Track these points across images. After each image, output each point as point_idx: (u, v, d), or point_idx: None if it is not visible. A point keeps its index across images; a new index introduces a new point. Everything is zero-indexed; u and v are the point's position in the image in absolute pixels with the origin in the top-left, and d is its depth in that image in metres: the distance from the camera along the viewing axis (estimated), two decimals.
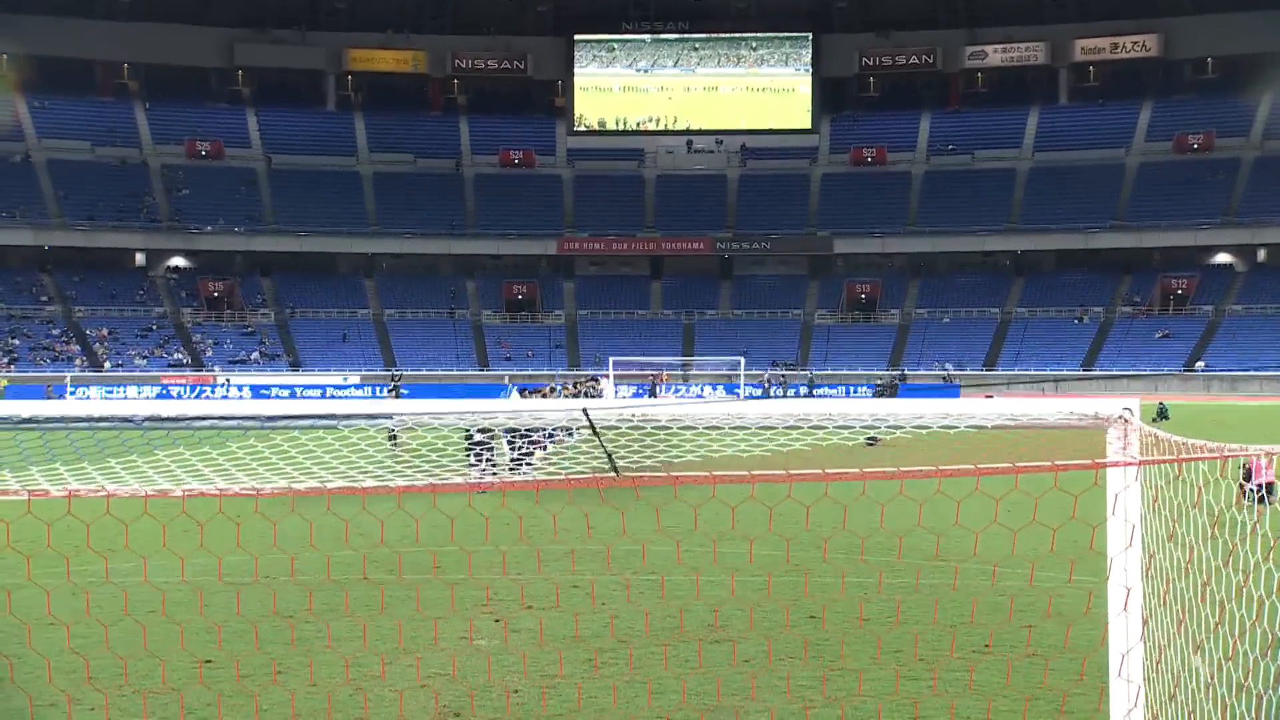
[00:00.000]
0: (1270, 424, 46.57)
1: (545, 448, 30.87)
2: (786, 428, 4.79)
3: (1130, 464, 4.30)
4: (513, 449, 25.37)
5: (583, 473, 6.94)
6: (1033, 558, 14.87)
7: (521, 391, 28.60)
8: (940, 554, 15.41)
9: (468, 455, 22.29)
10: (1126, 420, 4.42)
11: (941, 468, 5.72)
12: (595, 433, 4.80)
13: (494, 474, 23.12)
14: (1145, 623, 5.16)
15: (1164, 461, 4.99)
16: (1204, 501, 6.01)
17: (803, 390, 74.34)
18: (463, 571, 14.33)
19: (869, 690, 10.09)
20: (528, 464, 26.82)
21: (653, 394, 66.33)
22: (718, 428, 4.91)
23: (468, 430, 22.38)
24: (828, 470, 5.70)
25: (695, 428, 4.74)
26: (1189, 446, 5.14)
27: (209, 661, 11.01)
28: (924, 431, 5.12)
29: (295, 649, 11.34)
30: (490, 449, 22.68)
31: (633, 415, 4.61)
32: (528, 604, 12.82)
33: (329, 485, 5.65)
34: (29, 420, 4.51)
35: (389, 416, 4.68)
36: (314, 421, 4.61)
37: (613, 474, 4.99)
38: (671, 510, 19.86)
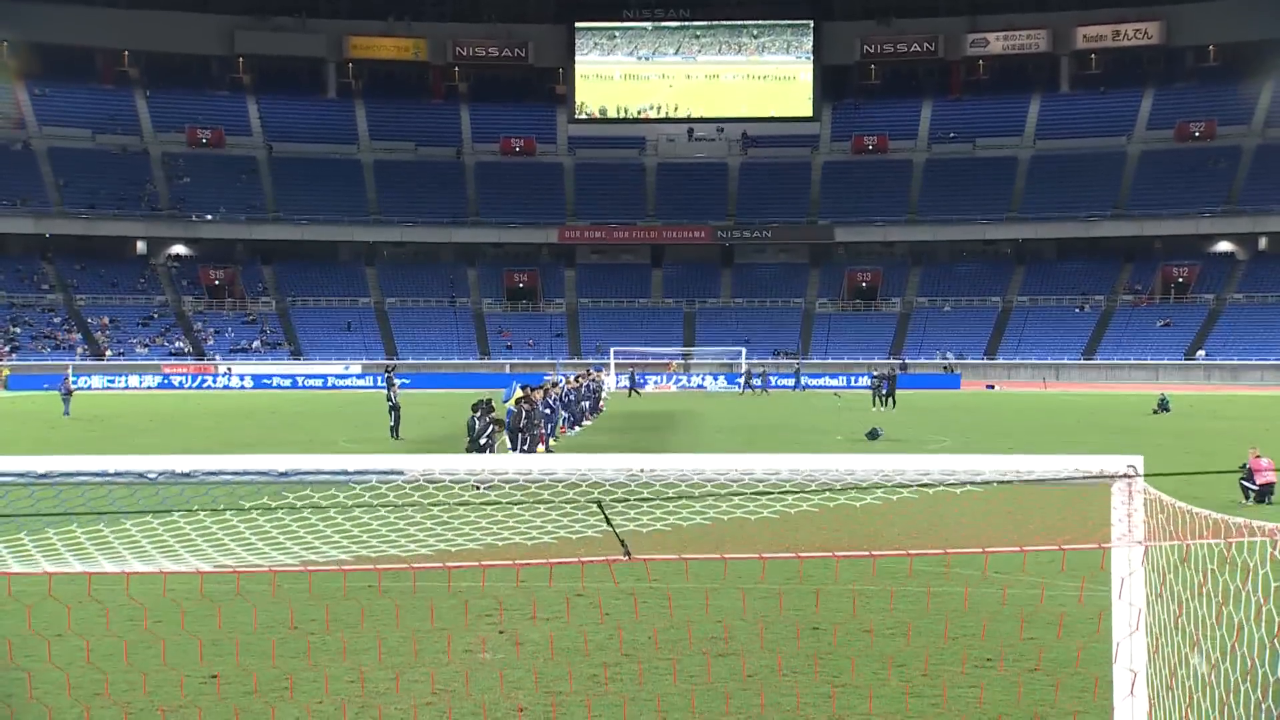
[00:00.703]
0: (1271, 415, 46.51)
1: (552, 438, 30.89)
2: (794, 485, 4.73)
3: (1136, 544, 4.22)
4: (514, 445, 25.40)
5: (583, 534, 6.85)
6: (1045, 573, 14.84)
7: (524, 387, 28.51)
8: (951, 566, 15.33)
9: (465, 451, 22.30)
10: (1130, 479, 4.35)
11: (950, 550, 5.65)
12: (607, 521, 4.76)
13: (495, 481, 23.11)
14: (1151, 705, 5.08)
15: (1170, 542, 4.92)
16: (1210, 576, 5.93)
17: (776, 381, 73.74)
18: (473, 579, 14.24)
19: (878, 709, 10.05)
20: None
21: (631, 383, 65.89)
22: (725, 486, 4.84)
23: (471, 430, 22.36)
24: (837, 552, 5.62)
25: (702, 487, 4.68)
26: (1196, 517, 5.06)
27: (219, 676, 10.96)
28: (929, 490, 5.04)
29: (308, 661, 11.30)
30: (492, 446, 22.69)
31: (640, 470, 4.55)
32: (536, 616, 12.76)
33: (345, 564, 5.65)
34: (44, 476, 4.47)
35: (401, 473, 4.62)
36: (327, 477, 4.56)
37: (625, 555, 4.95)
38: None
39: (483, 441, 22.28)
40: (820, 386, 75.09)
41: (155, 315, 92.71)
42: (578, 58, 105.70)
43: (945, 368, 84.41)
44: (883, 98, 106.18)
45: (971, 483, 4.49)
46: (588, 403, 41.61)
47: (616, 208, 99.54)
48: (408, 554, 5.84)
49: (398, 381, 36.72)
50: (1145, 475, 5.91)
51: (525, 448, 25.86)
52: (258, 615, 12.29)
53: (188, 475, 4.52)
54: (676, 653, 11.72)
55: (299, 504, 5.55)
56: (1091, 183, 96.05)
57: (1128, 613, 4.10)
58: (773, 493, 5.15)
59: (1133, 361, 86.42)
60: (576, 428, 37.33)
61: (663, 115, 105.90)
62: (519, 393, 27.12)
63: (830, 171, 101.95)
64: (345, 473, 4.55)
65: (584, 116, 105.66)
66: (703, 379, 72.17)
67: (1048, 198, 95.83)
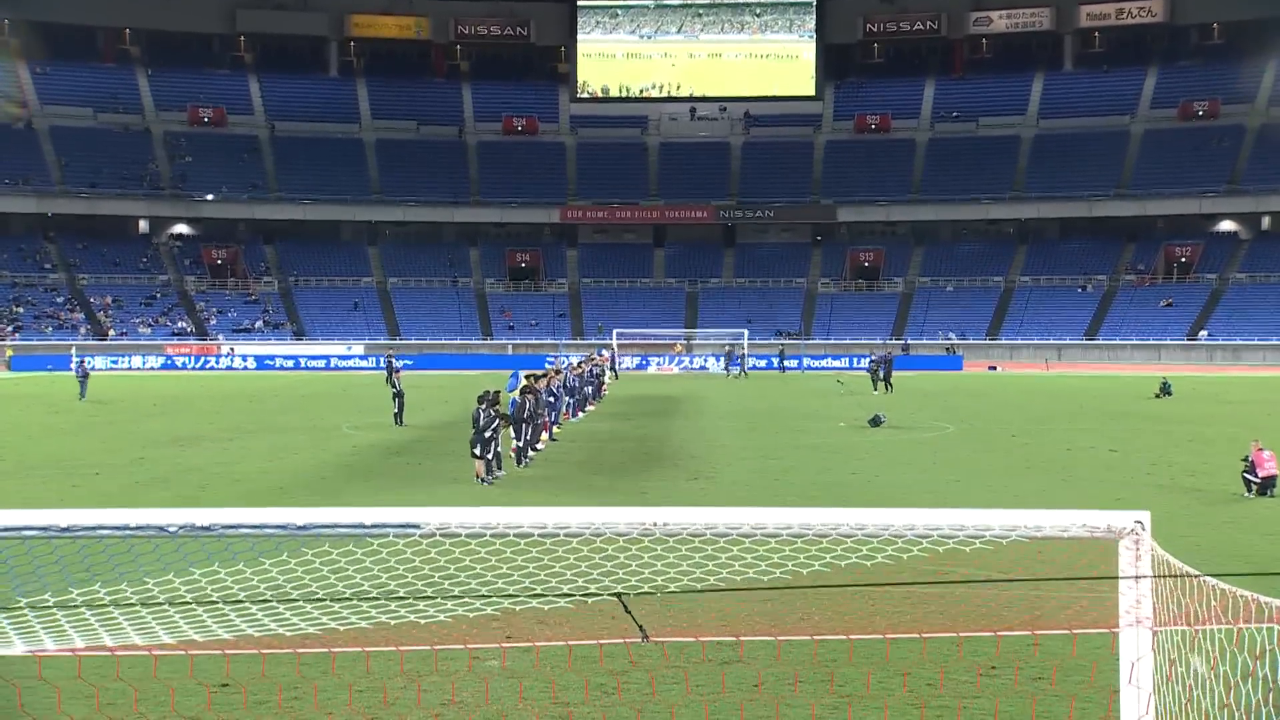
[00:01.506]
0: (1274, 399, 46.54)
1: (556, 426, 30.96)
2: (807, 542, 4.78)
3: (1146, 628, 4.25)
4: (517, 436, 25.47)
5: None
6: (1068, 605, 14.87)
7: (528, 376, 28.59)
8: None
9: (474, 447, 22.38)
10: (1138, 536, 4.41)
11: (963, 634, 5.71)
12: (628, 610, 4.82)
13: (500, 475, 23.20)
14: None
15: (1179, 627, 4.96)
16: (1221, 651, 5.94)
17: (771, 362, 73.30)
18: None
19: None
20: (534, 449, 26.97)
21: (613, 364, 65.21)
22: (739, 541, 4.90)
23: (476, 423, 22.42)
24: (852, 635, 5.65)
25: (715, 543, 4.73)
26: (1203, 587, 5.09)
27: (225, 686, 11.01)
28: (940, 549, 5.06)
29: (331, 669, 11.32)
30: (496, 439, 22.75)
31: (654, 524, 4.62)
32: (548, 626, 12.79)
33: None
34: (67, 530, 4.56)
35: (417, 526, 4.70)
36: (345, 531, 4.63)
37: (642, 639, 5.01)
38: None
39: (488, 435, 22.35)
40: (804, 369, 74.99)
41: (158, 295, 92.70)
42: (580, 36, 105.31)
43: (947, 349, 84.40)
44: (885, 77, 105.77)
45: (980, 538, 4.54)
46: (591, 387, 41.67)
47: (619, 187, 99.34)
48: (426, 619, 5.86)
49: (398, 364, 36.74)
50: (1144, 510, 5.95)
51: (529, 438, 25.94)
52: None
53: (207, 529, 4.59)
54: (687, 663, 11.78)
55: (317, 560, 5.59)
56: (1094, 162, 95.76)
57: (1136, 696, 4.16)
58: (785, 550, 5.21)
59: (1135, 342, 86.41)
60: (580, 413, 37.40)
61: (665, 94, 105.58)
62: (523, 382, 27.17)
63: (833, 151, 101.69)
64: (362, 526, 4.62)
65: (586, 95, 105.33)
66: (705, 360, 72.14)
67: (1050, 177, 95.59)
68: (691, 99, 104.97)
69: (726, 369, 67.74)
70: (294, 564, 5.61)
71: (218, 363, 79.20)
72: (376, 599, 5.94)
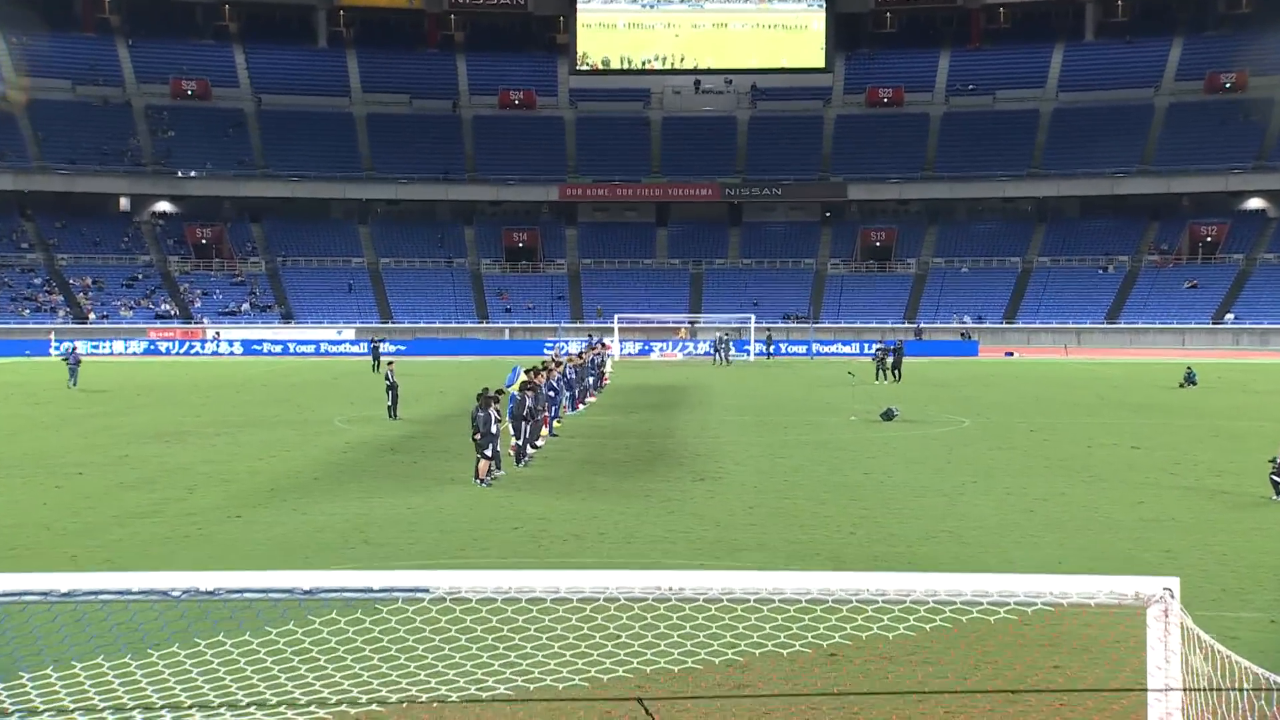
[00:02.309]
0: None
1: (556, 420, 31.04)
2: (827, 609, 4.86)
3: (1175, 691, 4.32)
4: (517, 435, 25.56)
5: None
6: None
7: (528, 371, 28.68)
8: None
9: (484, 448, 22.46)
10: (1167, 605, 4.48)
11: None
12: (647, 712, 4.89)
13: (499, 475, 23.30)
14: None
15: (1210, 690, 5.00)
16: None
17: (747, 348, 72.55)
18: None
19: None
20: (533, 447, 27.07)
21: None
22: (756, 608, 4.98)
23: (475, 422, 22.51)
24: None
25: (732, 610, 4.78)
26: (1236, 669, 5.12)
27: None
28: (963, 619, 5.12)
29: None
30: (496, 437, 22.85)
31: (669, 589, 4.71)
32: (537, 616, 12.88)
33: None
34: (68, 595, 4.65)
35: (427, 590, 4.79)
36: (353, 595, 4.72)
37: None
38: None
39: (493, 431, 22.48)
40: (813, 354, 75.06)
41: (140, 276, 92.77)
42: (579, 5, 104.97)
43: (962, 334, 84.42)
44: (898, 48, 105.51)
45: (1005, 605, 4.62)
46: (592, 378, 41.73)
47: (620, 163, 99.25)
48: (432, 695, 5.91)
49: (387, 356, 36.79)
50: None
51: (529, 436, 26.02)
52: None
53: (212, 593, 4.67)
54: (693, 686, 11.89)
55: (325, 629, 5.64)
56: (1116, 137, 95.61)
57: None
58: (804, 619, 5.28)
59: (1158, 325, 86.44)
60: (580, 405, 37.47)
61: (668, 66, 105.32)
62: (522, 378, 27.23)
63: (843, 125, 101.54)
64: (370, 590, 4.70)
65: (586, 68, 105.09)
66: (711, 345, 72.07)
67: (1070, 153, 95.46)
68: (696, 71, 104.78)
69: (718, 357, 66.89)
70: (301, 634, 5.64)
71: (203, 348, 79.31)
72: (385, 674, 5.99)
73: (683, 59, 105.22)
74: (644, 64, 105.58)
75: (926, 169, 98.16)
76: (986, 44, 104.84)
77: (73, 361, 48.87)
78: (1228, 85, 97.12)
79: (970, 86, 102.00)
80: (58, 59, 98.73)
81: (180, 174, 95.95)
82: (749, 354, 72.91)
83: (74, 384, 47.30)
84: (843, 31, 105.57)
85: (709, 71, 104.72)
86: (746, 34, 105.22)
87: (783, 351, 75.15)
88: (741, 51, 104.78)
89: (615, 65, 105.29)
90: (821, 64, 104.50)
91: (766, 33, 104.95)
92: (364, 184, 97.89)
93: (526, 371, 28.60)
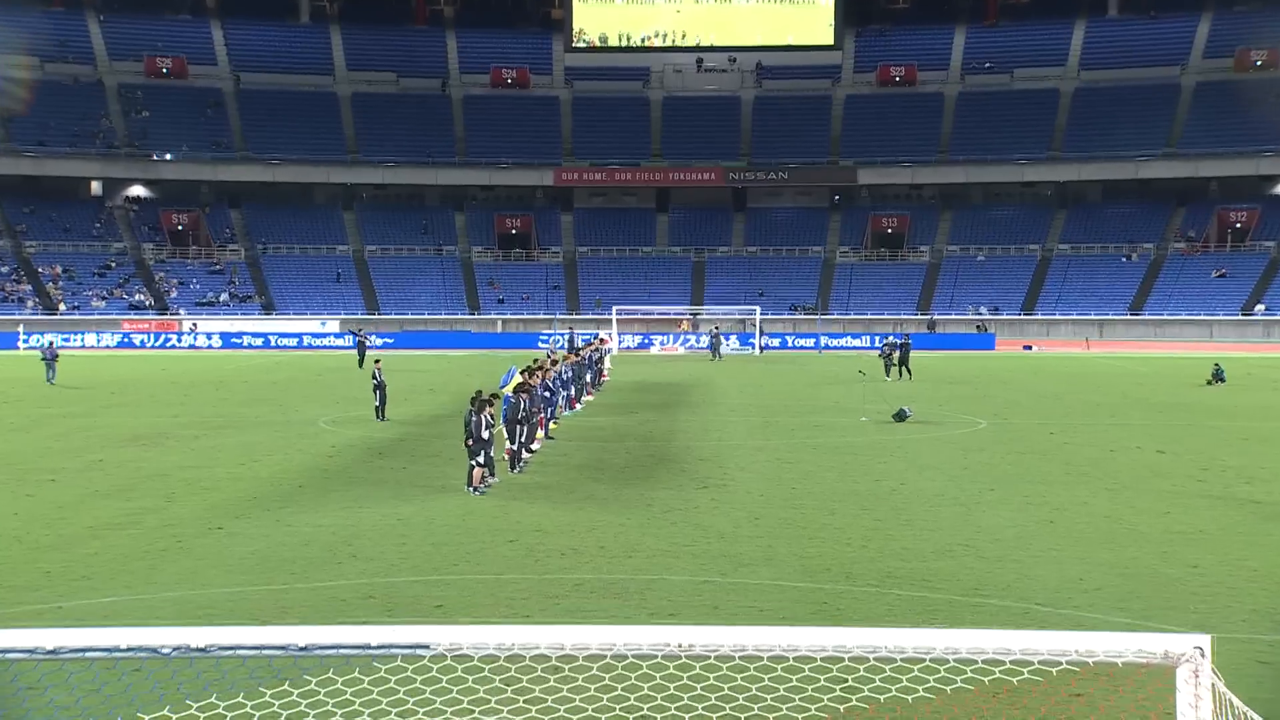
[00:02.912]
0: None
1: (553, 421, 31.10)
2: (843, 669, 4.90)
3: None
4: (511, 439, 25.62)
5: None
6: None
7: (524, 371, 28.73)
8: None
9: (476, 455, 22.52)
10: (1197, 665, 4.52)
11: None
12: None
13: (493, 482, 23.37)
14: None
15: None
16: None
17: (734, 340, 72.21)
18: (469, 612, 14.46)
19: None
20: (529, 451, 27.13)
21: (570, 345, 64.66)
22: (769, 667, 5.02)
23: (468, 426, 22.57)
24: None
25: (745, 669, 4.82)
26: None
27: None
28: (985, 679, 5.13)
29: None
30: (489, 443, 22.91)
31: (679, 645, 4.76)
32: (542, 676, 12.93)
33: None
34: (53, 652, 4.70)
35: (427, 646, 4.84)
36: (350, 652, 4.77)
37: None
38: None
39: (486, 436, 22.53)
40: (821, 349, 75.09)
41: (113, 264, 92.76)
42: None
43: (978, 326, 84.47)
44: (911, 24, 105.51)
45: (1029, 665, 4.67)
46: (590, 374, 41.80)
47: (618, 146, 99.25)
48: None
49: (374, 351, 36.79)
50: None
51: (524, 439, 26.07)
52: None
53: (203, 650, 4.71)
54: None
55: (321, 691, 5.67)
56: (1141, 118, 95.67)
57: None
58: (819, 679, 5.33)
59: (1184, 317, 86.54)
60: (578, 405, 37.54)
61: (669, 44, 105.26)
62: (517, 379, 27.29)
63: (853, 106, 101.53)
64: (368, 647, 4.74)
65: (582, 45, 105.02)
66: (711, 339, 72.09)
67: (1092, 135, 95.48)
68: (698, 49, 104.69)
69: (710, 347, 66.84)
70: (296, 695, 5.67)
71: (179, 340, 79.34)
72: None
73: (684, 36, 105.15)
74: (643, 41, 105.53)
75: (941, 152, 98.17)
76: (1004, 20, 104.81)
77: (49, 356, 49.09)
78: (1259, 63, 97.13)
79: (987, 65, 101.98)
80: (25, 35, 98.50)
81: (155, 157, 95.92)
82: (754, 348, 72.96)
83: (52, 379, 47.56)
84: (853, 7, 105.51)
85: (712, 49, 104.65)
86: (751, 9, 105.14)
87: (770, 346, 74.92)
88: (746, 27, 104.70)
89: (613, 42, 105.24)
90: (830, 41, 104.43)
91: (773, 8, 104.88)
92: (349, 168, 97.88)
93: (522, 372, 28.67)
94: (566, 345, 63.93)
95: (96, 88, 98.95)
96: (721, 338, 69.02)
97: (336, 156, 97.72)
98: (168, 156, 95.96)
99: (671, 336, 76.20)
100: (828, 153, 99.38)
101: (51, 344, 52.15)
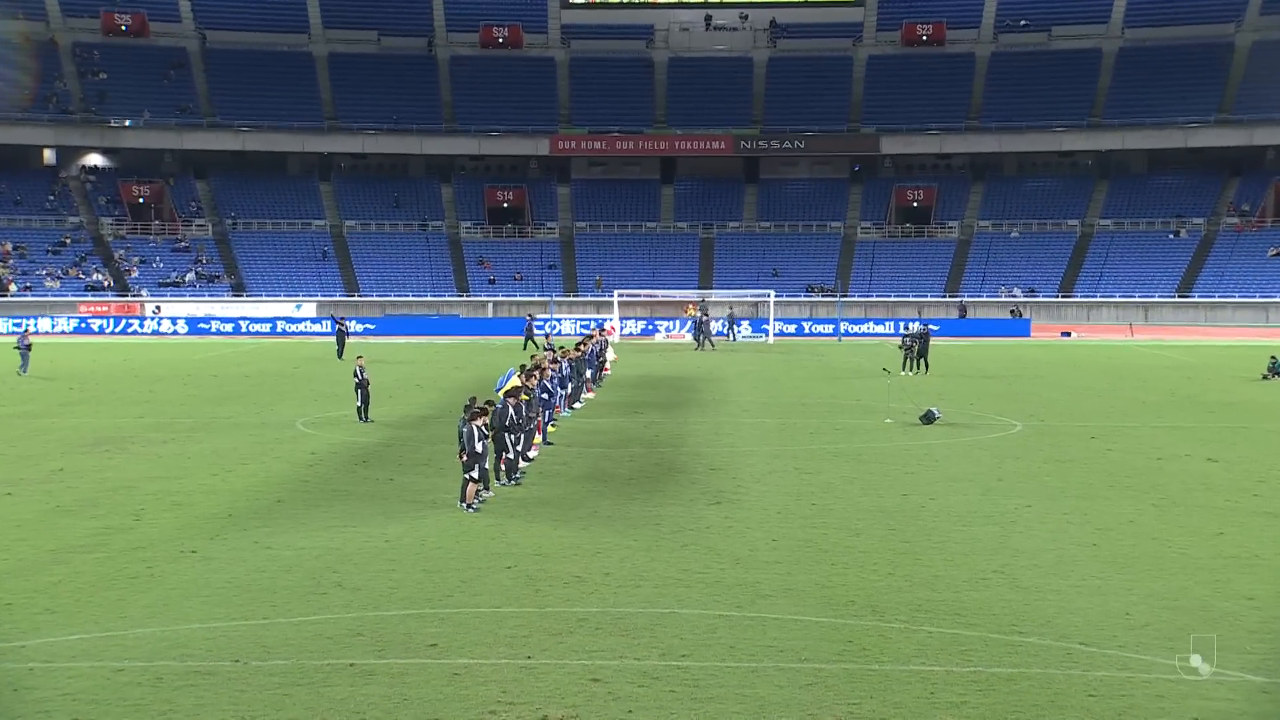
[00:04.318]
0: None
1: (551, 424, 31.25)
2: None
3: None
4: (505, 449, 25.74)
5: None
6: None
7: (522, 367, 28.84)
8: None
9: (469, 470, 22.67)
10: None
11: None
12: None
13: (489, 497, 23.53)
14: None
15: None
16: None
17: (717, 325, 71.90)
18: (466, 651, 14.60)
19: None
20: (525, 459, 27.27)
21: (528, 335, 64.47)
22: None
23: (461, 437, 22.71)
24: None
25: None
26: None
27: None
28: None
29: None
30: (483, 456, 23.06)
31: None
32: (546, 708, 13.10)
33: None
34: None
35: None
36: None
37: None
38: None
39: (479, 449, 22.68)
40: (841, 335, 75.25)
41: (68, 240, 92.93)
42: None
43: (1012, 311, 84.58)
44: None
45: None
46: (591, 370, 41.92)
47: (619, 112, 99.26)
48: None
49: (352, 338, 36.78)
50: None
51: (521, 447, 26.15)
52: None
53: None
54: None
55: None
56: (1191, 80, 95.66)
57: None
58: None
59: (1237, 299, 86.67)
60: (577, 404, 37.68)
61: None
62: (515, 381, 27.41)
63: (875, 68, 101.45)
64: None
65: (580, 1, 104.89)
66: (723, 325, 72.34)
67: (1137, 99, 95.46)
68: (707, 4, 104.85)
69: (698, 333, 66.24)
70: None
71: (142, 326, 79.54)
72: None
73: None
74: None
75: (971, 118, 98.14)
76: None
77: (22, 345, 49.38)
78: None
79: (1022, 22, 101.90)
80: None
81: (114, 123, 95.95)
82: (767, 334, 73.03)
83: (24, 371, 47.96)
84: None
85: (722, 4, 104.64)
86: None
87: (784, 333, 74.88)
88: None
89: None
90: None
91: None
92: (325, 135, 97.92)
93: (520, 369, 28.77)
94: (526, 335, 63.42)
95: (49, 47, 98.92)
96: (713, 322, 68.09)
97: (312, 123, 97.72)
98: (127, 123, 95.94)
99: (678, 322, 76.22)
100: (848, 119, 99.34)
101: (26, 330, 52.50)
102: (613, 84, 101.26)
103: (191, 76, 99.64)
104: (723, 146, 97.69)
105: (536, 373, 29.89)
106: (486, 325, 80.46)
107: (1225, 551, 19.70)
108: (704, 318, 66.14)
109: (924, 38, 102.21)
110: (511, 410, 25.07)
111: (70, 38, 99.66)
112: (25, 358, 48.82)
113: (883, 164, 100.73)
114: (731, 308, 77.20)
